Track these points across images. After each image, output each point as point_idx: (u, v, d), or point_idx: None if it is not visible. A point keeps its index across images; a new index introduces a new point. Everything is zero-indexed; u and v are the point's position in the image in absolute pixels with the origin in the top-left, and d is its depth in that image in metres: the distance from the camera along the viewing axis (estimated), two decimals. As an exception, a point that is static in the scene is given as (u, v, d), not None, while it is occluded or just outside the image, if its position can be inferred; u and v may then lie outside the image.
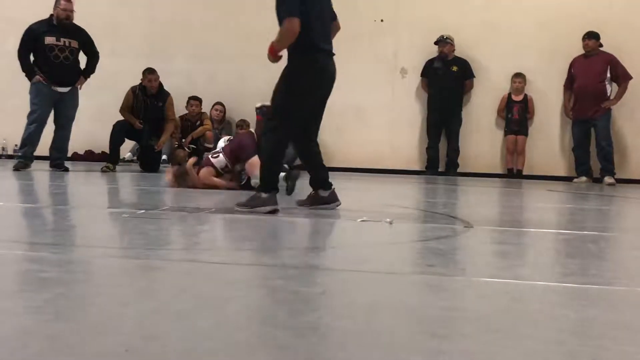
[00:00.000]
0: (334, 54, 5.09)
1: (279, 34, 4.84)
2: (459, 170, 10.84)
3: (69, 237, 3.83)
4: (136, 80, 9.55)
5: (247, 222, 4.53)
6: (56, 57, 8.71)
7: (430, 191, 8.34)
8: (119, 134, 9.17)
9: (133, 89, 9.40)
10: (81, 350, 1.73)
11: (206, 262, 3.06)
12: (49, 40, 8.70)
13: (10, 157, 11.26)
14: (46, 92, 8.70)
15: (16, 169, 8.59)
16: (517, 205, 6.94)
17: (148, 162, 9.44)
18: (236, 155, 6.74)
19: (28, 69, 8.69)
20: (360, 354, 1.75)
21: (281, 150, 4.98)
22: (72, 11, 8.81)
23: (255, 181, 6.02)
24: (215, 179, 6.72)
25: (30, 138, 8.73)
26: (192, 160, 6.94)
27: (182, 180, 6.75)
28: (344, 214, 5.03)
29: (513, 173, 10.78)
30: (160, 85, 9.43)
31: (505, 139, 10.91)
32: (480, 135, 11.00)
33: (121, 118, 9.34)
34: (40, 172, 8.60)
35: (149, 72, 9.33)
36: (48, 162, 9.09)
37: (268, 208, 4.82)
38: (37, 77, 8.64)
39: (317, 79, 5.02)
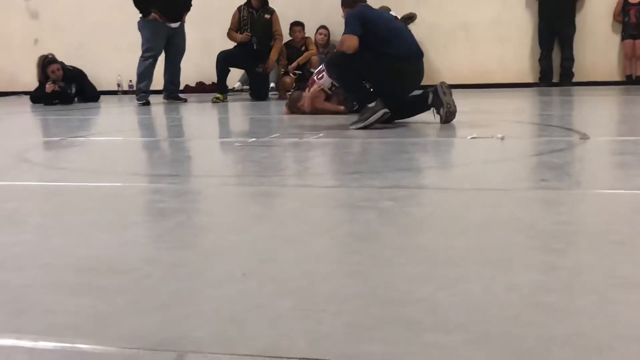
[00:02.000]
0: None
1: None
2: (574, 80, 10.44)
3: (186, 168, 3.95)
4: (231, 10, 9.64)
5: (357, 146, 4.55)
6: None
7: (544, 104, 8.09)
8: (223, 63, 9.28)
9: (239, 7, 9.48)
10: (202, 276, 1.80)
11: (318, 186, 3.10)
12: None
13: (125, 92, 11.62)
14: (160, 28, 8.87)
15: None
16: (636, 113, 6.65)
17: (257, 90, 9.55)
18: None
19: (143, 6, 8.84)
20: (472, 270, 1.75)
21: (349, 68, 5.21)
22: None
23: None
24: (326, 103, 6.72)
25: (147, 72, 8.96)
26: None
27: (294, 107, 6.80)
28: (454, 132, 4.97)
29: (632, 79, 10.30)
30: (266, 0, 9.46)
31: (622, 43, 10.40)
32: (596, 41, 10.51)
33: (227, 47, 9.44)
34: (155, 105, 8.85)
35: None
36: (161, 95, 9.35)
37: (380, 113, 5.05)
38: (153, 14, 8.79)
39: None
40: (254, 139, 4.86)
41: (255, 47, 9.33)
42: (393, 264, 1.84)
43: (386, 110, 5.08)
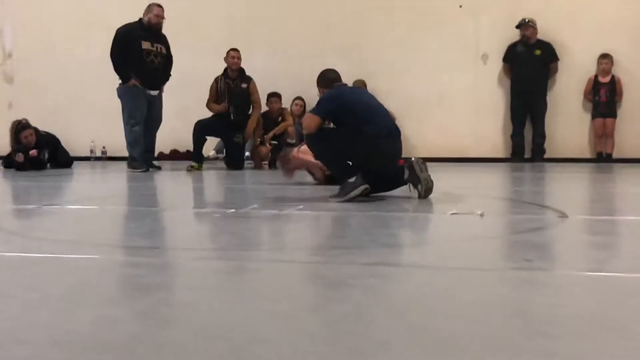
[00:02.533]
0: None
1: None
2: (545, 156, 10.60)
3: (165, 240, 3.89)
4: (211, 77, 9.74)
5: (337, 219, 4.52)
6: (152, 62, 8.90)
7: (518, 179, 8.17)
8: (200, 132, 9.32)
9: (216, 79, 9.61)
10: (190, 357, 1.74)
11: (301, 262, 3.06)
12: (146, 45, 8.88)
13: (98, 158, 11.56)
14: (140, 94, 8.87)
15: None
16: (610, 191, 6.73)
17: (234, 159, 9.55)
18: None
19: (124, 72, 8.84)
20: (476, 356, 1.71)
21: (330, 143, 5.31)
22: (163, 18, 9.00)
23: None
24: (313, 160, 6.67)
25: (137, 139, 8.90)
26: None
27: (285, 160, 6.71)
28: (433, 207, 4.97)
29: (602, 157, 10.48)
30: (243, 69, 9.57)
31: (593, 122, 10.62)
32: (567, 119, 10.73)
33: (202, 117, 9.48)
34: (129, 173, 8.79)
35: (232, 50, 9.48)
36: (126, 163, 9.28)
37: (360, 188, 5.12)
38: (133, 80, 8.80)
39: None
40: (232, 210, 4.82)
41: (232, 117, 9.38)
42: (392, 347, 1.79)
43: (366, 185, 5.12)
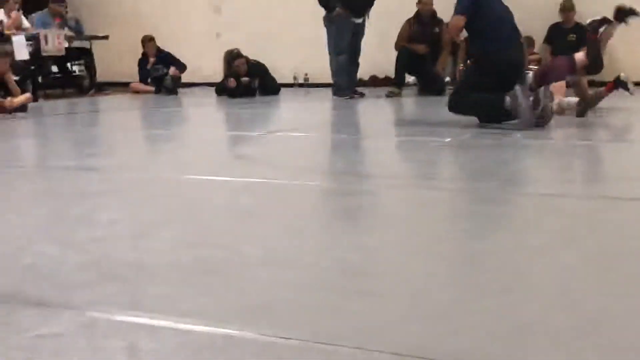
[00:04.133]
0: None
1: None
2: None
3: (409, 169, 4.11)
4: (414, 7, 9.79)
5: (569, 150, 4.55)
6: None
7: None
8: (406, 59, 9.46)
9: (408, 20, 9.69)
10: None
11: (538, 194, 3.16)
12: None
13: (301, 85, 11.97)
14: (346, 24, 9.05)
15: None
16: None
17: (430, 85, 9.62)
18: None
19: (328, 3, 9.06)
20: None
21: None
22: None
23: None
24: None
25: (343, 67, 9.16)
26: None
27: None
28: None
29: None
30: (435, 12, 9.62)
31: None
32: None
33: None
34: (326, 100, 9.07)
35: None
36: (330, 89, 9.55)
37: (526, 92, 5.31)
38: (338, 10, 9.00)
39: None
40: (449, 139, 4.94)
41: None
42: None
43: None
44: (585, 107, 5.90)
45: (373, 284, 1.92)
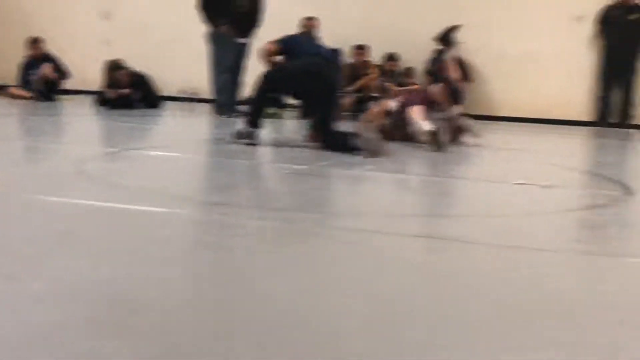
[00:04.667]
0: None
1: None
2: (633, 122, 10.37)
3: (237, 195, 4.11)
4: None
5: (395, 182, 4.65)
6: (240, 6, 8.99)
7: (598, 146, 8.09)
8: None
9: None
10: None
11: (352, 230, 3.22)
12: None
13: (188, 100, 11.85)
14: (230, 43, 8.98)
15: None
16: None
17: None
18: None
19: (212, 20, 8.98)
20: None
21: None
22: None
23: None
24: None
25: (226, 87, 9.07)
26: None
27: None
28: (501, 175, 5.03)
29: (692, 127, 10.18)
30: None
31: (686, 90, 10.29)
32: (659, 85, 10.42)
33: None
34: (203, 117, 9.03)
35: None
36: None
37: None
38: (223, 27, 8.93)
39: None
40: (304, 166, 4.99)
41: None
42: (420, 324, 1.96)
43: None
44: (438, 148, 5.96)
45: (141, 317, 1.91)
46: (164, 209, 3.41)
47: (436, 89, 6.25)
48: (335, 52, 6.30)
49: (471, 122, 6.58)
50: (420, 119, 6.07)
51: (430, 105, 6.26)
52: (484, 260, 2.76)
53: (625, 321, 2.09)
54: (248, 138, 5.81)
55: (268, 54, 6.07)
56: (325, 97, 5.79)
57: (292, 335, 1.85)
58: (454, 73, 6.31)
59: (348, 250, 2.83)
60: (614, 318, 2.11)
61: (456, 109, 6.48)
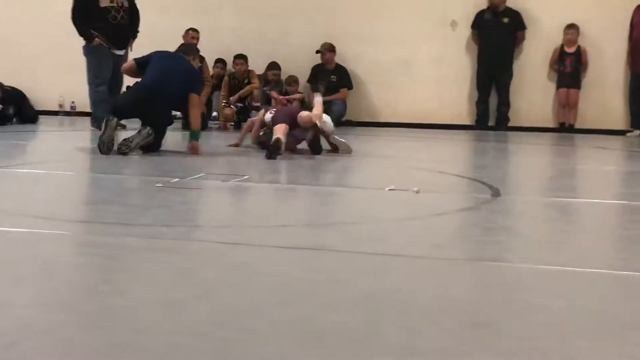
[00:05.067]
0: None
1: None
2: (509, 124, 10.72)
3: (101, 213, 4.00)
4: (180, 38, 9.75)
5: (268, 192, 4.63)
6: (114, 18, 8.84)
7: (474, 150, 8.31)
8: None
9: None
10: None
11: (214, 242, 3.17)
12: (104, 2, 8.81)
13: (67, 113, 11.54)
14: (106, 55, 8.84)
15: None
16: (560, 167, 6.87)
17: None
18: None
19: (86, 33, 8.80)
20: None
21: None
22: None
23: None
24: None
25: (103, 100, 8.84)
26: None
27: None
28: (375, 181, 5.08)
29: (565, 127, 10.61)
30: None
31: (557, 92, 10.72)
32: (532, 88, 10.81)
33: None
34: (81, 131, 8.82)
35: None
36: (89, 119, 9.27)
37: None
38: (97, 40, 8.75)
39: None
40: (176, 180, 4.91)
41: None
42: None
43: None
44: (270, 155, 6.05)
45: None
46: (21, 229, 3.28)
47: (304, 116, 6.36)
48: (191, 67, 6.80)
49: (342, 140, 6.68)
50: (279, 134, 6.11)
51: (295, 126, 6.35)
52: (345, 269, 2.77)
53: (479, 323, 2.13)
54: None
55: (125, 71, 6.84)
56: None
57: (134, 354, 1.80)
58: (317, 111, 6.54)
59: (206, 264, 2.79)
60: (467, 320, 2.15)
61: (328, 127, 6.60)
